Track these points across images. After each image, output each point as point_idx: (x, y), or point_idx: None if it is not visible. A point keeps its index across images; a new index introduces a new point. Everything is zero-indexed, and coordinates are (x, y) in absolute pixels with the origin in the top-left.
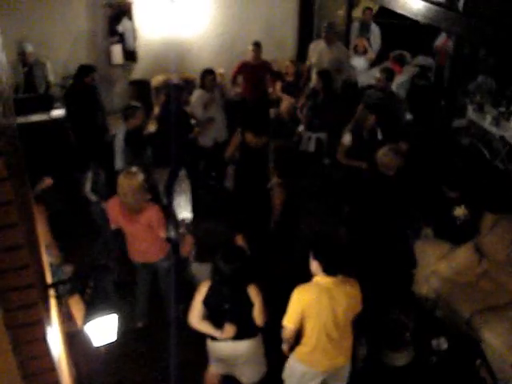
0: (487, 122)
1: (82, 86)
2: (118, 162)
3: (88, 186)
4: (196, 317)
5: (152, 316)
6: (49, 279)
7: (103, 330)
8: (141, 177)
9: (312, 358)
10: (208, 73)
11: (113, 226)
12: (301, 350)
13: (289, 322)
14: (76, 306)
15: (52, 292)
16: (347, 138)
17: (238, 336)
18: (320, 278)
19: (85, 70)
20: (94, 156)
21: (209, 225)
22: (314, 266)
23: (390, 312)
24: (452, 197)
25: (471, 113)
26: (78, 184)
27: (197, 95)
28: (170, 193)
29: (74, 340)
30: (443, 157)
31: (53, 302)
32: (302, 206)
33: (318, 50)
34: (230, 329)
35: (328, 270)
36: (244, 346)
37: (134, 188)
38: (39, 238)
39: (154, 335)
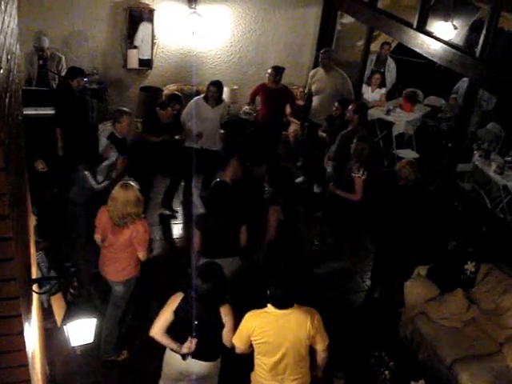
0: (492, 170)
1: (67, 89)
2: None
3: (92, 181)
4: (160, 327)
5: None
6: (34, 274)
7: (81, 331)
8: (137, 189)
9: None
10: (211, 84)
11: (97, 236)
12: (254, 374)
13: (236, 342)
14: (57, 304)
15: (35, 288)
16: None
17: (198, 356)
18: (271, 308)
19: (71, 73)
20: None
21: (216, 218)
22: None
23: (373, 348)
24: (469, 250)
25: (477, 158)
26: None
27: (193, 102)
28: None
29: (52, 338)
30: (444, 199)
31: (35, 298)
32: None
33: (317, 77)
34: (189, 345)
35: (276, 304)
36: (200, 367)
37: (129, 201)
38: (30, 232)
39: (133, 342)
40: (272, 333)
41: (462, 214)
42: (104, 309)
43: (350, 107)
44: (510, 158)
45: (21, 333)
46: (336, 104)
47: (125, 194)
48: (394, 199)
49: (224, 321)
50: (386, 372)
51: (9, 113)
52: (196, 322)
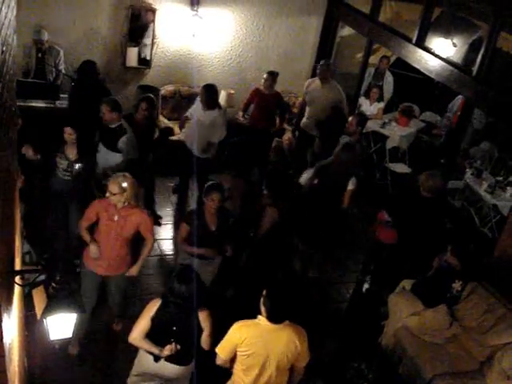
0: (483, 189)
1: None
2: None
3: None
4: (139, 333)
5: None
6: (17, 266)
7: (61, 325)
8: (131, 180)
9: None
10: (202, 87)
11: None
12: None
13: (221, 352)
14: (38, 297)
15: (17, 280)
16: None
17: (173, 359)
18: (263, 319)
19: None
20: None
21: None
22: (262, 309)
23: (353, 360)
24: (454, 267)
25: (469, 177)
26: None
27: (195, 106)
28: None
29: (32, 332)
30: (435, 215)
31: (16, 290)
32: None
33: (312, 88)
34: (172, 347)
35: (272, 318)
36: (173, 370)
37: (126, 188)
38: (16, 224)
39: (117, 343)
40: (260, 346)
41: (450, 230)
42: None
43: (351, 119)
44: (501, 178)
45: None
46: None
47: (118, 184)
48: (424, 210)
49: (203, 326)
50: None
51: (1, 103)
52: (174, 328)
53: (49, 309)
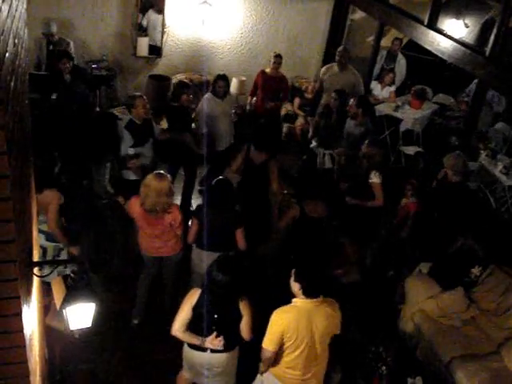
0: (498, 170)
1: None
2: (122, 149)
3: (107, 179)
4: (181, 325)
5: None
6: (36, 257)
7: (80, 315)
8: (169, 179)
9: (286, 376)
10: (220, 78)
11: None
12: (277, 366)
13: (268, 345)
14: (57, 288)
15: (36, 271)
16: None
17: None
18: (299, 300)
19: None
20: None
21: (213, 213)
22: (295, 287)
23: (371, 343)
24: (478, 254)
25: (483, 158)
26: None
27: (205, 101)
28: None
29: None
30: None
31: (35, 281)
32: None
33: (330, 74)
34: (216, 341)
35: (308, 293)
36: (221, 359)
37: (163, 191)
38: (33, 215)
39: (136, 331)
40: (304, 327)
41: (466, 212)
42: (104, 295)
43: (352, 102)
44: None
45: (18, 314)
46: (333, 94)
47: (158, 184)
48: (456, 195)
49: (242, 314)
50: (383, 368)
51: (13, 96)
52: (216, 316)
53: (68, 299)
